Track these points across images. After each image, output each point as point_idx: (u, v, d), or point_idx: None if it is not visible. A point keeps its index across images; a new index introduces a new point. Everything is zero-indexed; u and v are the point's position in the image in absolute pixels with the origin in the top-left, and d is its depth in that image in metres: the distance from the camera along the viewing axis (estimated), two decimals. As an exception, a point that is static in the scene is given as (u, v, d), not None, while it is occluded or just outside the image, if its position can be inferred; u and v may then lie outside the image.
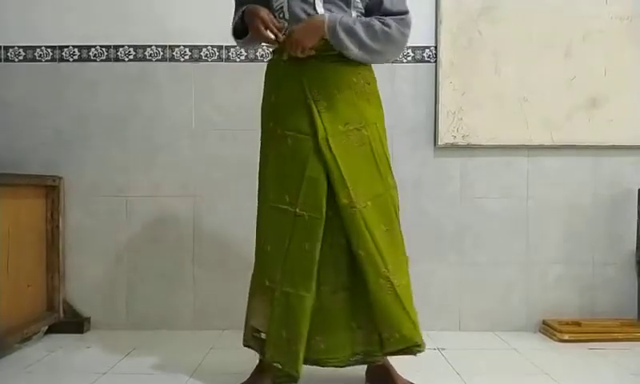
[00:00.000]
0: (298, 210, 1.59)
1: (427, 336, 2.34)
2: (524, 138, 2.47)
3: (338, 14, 1.62)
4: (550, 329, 2.40)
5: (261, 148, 1.75)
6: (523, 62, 2.46)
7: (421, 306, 2.42)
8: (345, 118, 1.64)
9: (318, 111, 1.62)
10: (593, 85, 2.47)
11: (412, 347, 1.65)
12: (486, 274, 2.49)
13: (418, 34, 2.48)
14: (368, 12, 1.69)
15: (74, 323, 2.40)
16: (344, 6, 1.66)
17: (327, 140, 1.61)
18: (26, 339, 2.21)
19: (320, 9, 1.62)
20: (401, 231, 1.74)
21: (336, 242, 1.62)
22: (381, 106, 1.77)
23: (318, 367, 1.66)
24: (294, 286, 1.59)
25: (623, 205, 2.50)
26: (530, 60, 2.46)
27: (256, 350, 1.69)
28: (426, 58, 2.49)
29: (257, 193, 1.74)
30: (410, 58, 2.48)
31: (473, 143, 2.46)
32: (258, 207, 1.72)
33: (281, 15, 1.65)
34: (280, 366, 1.58)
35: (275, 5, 1.66)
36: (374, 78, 1.75)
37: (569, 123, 2.47)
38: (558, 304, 2.49)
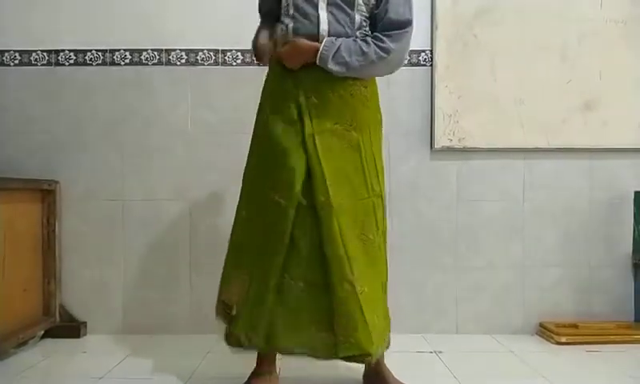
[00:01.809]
0: (276, 197, 1.63)
1: (424, 339, 2.37)
2: (520, 141, 2.47)
3: (334, 43, 1.63)
4: (547, 331, 2.40)
5: (250, 142, 1.79)
6: (519, 65, 2.47)
7: (417, 309, 2.46)
8: (335, 117, 1.67)
9: (308, 107, 1.66)
10: (588, 88, 2.48)
11: (364, 356, 1.63)
12: (483, 277, 2.49)
13: (414, 38, 2.45)
14: (372, 18, 1.70)
15: (70, 328, 2.39)
16: (347, 8, 1.66)
17: (313, 136, 1.64)
18: (22, 344, 2.20)
19: (323, 11, 1.63)
20: (383, 242, 1.74)
21: (311, 238, 1.63)
22: (379, 110, 1.78)
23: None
24: (266, 270, 1.62)
25: (619, 207, 2.51)
26: (526, 63, 2.47)
27: (224, 322, 1.72)
28: (422, 62, 2.49)
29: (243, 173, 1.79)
30: (405, 62, 2.48)
31: (469, 146, 2.47)
32: (241, 190, 1.76)
33: (288, 11, 1.68)
34: (247, 340, 1.63)
35: (283, 2, 1.70)
36: (374, 82, 1.76)
37: (565, 126, 2.48)
38: (555, 306, 2.49)
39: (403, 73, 2.46)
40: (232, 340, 1.68)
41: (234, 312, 1.68)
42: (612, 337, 2.33)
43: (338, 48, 1.63)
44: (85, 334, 2.42)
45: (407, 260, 2.47)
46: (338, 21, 1.65)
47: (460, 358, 2.13)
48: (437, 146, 2.46)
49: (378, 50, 1.64)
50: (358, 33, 1.68)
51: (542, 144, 2.48)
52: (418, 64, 2.49)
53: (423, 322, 2.48)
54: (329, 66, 1.62)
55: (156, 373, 1.96)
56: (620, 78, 2.48)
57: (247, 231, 1.71)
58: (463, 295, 2.49)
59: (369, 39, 1.66)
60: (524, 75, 2.47)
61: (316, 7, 1.65)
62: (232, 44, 2.45)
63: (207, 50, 2.47)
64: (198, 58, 2.47)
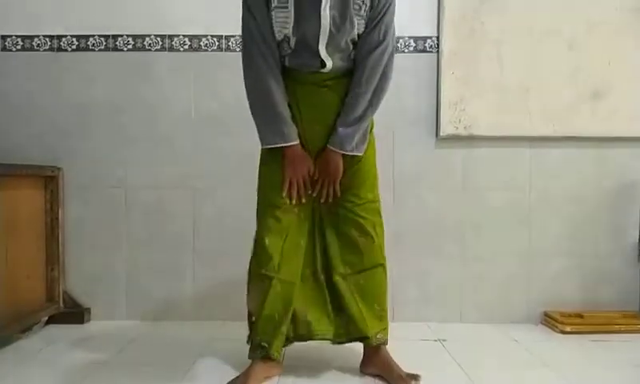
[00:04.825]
0: (295, 209, 1.70)
1: (428, 327, 2.36)
2: (526, 129, 2.45)
3: (342, 142, 1.67)
4: (551, 320, 2.39)
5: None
6: (526, 52, 2.43)
7: (422, 298, 2.45)
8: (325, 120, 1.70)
9: (302, 123, 1.70)
10: (596, 76, 2.44)
11: (362, 339, 1.75)
12: (488, 266, 2.48)
13: (420, 24, 2.46)
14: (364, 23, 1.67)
15: (74, 314, 2.39)
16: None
17: (306, 140, 1.70)
18: (27, 330, 2.20)
19: (326, 11, 1.58)
20: (382, 236, 1.79)
21: (315, 232, 1.76)
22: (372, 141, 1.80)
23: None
24: (288, 274, 1.70)
25: (626, 196, 2.48)
26: (533, 50, 2.43)
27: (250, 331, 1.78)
28: (428, 49, 2.46)
29: (257, 185, 1.77)
30: (411, 49, 2.46)
31: (475, 134, 2.44)
32: (258, 201, 1.76)
33: (286, 7, 1.60)
34: (266, 346, 1.69)
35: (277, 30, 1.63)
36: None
37: (572, 114, 2.45)
38: (560, 296, 2.48)
39: (409, 59, 2.45)
40: (251, 347, 1.74)
41: (253, 319, 1.75)
42: (618, 326, 2.32)
43: (353, 136, 1.67)
44: (89, 320, 2.42)
45: (411, 249, 2.46)
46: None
47: (464, 346, 2.12)
48: (442, 133, 2.44)
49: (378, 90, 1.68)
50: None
51: (549, 132, 2.45)
52: (423, 51, 2.46)
53: (427, 310, 2.47)
54: (355, 146, 1.69)
55: (159, 359, 1.96)
56: (629, 66, 2.44)
57: (272, 240, 1.72)
58: (468, 284, 2.48)
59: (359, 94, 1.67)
60: (531, 62, 2.43)
61: (318, 6, 1.57)
62: (236, 29, 2.39)
63: (211, 35, 2.45)
64: (202, 43, 2.45)
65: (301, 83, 1.69)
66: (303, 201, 1.69)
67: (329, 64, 1.65)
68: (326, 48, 1.62)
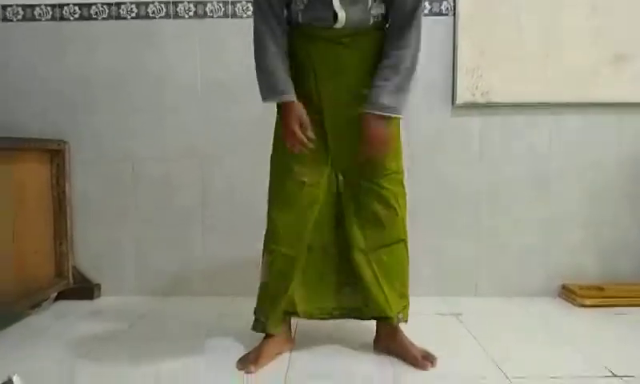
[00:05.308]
0: (305, 179, 1.62)
1: (443, 301, 2.31)
2: (546, 96, 2.34)
3: (379, 96, 1.53)
4: (570, 293, 2.32)
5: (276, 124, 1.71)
6: (546, 14, 2.31)
7: (437, 271, 2.40)
8: (351, 89, 1.59)
9: (317, 85, 1.60)
10: (620, 39, 2.32)
11: (383, 318, 1.70)
12: (505, 238, 2.41)
13: (436, -14, 2.34)
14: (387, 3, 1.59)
15: (83, 289, 2.37)
16: None
17: (320, 100, 1.61)
18: (36, 306, 2.18)
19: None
20: (404, 210, 1.72)
21: (332, 205, 1.67)
22: None
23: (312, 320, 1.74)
24: (290, 248, 1.64)
25: (649, 165, 2.39)
26: (553, 12, 2.31)
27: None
28: (444, 11, 2.35)
29: (270, 154, 1.71)
30: (426, 12, 2.34)
31: (492, 101, 2.34)
32: (270, 171, 1.70)
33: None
34: (264, 320, 1.69)
35: None
36: None
37: (593, 79, 2.34)
38: (579, 268, 2.41)
39: (423, 22, 2.33)
40: (253, 321, 1.73)
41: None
42: (639, 299, 2.24)
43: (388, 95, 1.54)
44: (98, 296, 2.40)
45: (427, 220, 2.39)
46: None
47: (480, 320, 2.07)
48: (459, 101, 2.34)
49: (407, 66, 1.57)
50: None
51: (570, 98, 2.35)
52: (439, 13, 2.34)
53: (442, 283, 2.41)
54: (397, 103, 1.55)
55: (169, 334, 1.93)
56: (656, 27, 2.32)
57: (281, 212, 1.67)
58: (484, 256, 2.41)
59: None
60: (551, 25, 2.31)
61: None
62: (242, -5, 2.33)
63: (217, 1, 2.35)
64: (207, 9, 2.36)
65: (314, 40, 1.59)
66: (311, 146, 1.56)
67: (342, 16, 1.54)
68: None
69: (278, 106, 1.61)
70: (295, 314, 1.71)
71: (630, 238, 2.41)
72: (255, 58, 1.61)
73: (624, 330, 1.99)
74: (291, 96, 1.55)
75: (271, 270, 1.67)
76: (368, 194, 1.64)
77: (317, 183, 1.63)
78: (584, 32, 2.32)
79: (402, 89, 1.55)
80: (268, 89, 1.58)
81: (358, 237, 1.65)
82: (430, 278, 2.40)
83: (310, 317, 1.72)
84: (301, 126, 1.55)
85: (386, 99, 1.52)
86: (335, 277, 1.71)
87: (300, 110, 1.56)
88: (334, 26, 1.56)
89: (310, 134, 1.56)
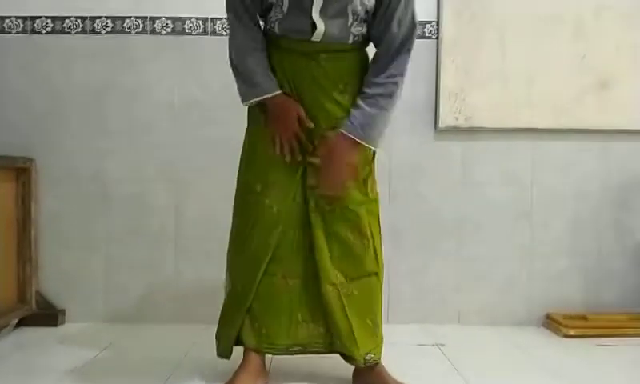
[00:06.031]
0: (267, 201, 1.55)
1: (425, 330, 2.24)
2: (529, 121, 2.32)
3: (354, 123, 1.47)
4: (554, 323, 2.27)
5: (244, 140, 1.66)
6: (530, 39, 2.31)
7: (417, 298, 2.33)
8: (324, 107, 1.52)
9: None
10: (604, 65, 2.32)
11: (350, 358, 1.59)
12: (487, 265, 2.36)
13: (419, 9, 2.28)
14: (369, 25, 1.53)
15: (47, 316, 2.25)
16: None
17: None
18: (-5, 333, 2.06)
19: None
20: (378, 241, 1.61)
21: (298, 230, 1.56)
22: None
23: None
24: (242, 277, 1.58)
25: (632, 193, 2.38)
26: (537, 37, 2.31)
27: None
28: (427, 34, 2.32)
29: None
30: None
31: (475, 126, 2.31)
32: (236, 189, 1.66)
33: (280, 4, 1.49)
34: (217, 342, 1.65)
35: None
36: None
37: (577, 106, 2.33)
38: (563, 297, 2.37)
39: (406, 45, 2.31)
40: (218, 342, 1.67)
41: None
42: (624, 329, 2.21)
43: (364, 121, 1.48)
44: (63, 323, 2.28)
45: (407, 245, 2.33)
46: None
47: (463, 351, 2.00)
48: (442, 125, 2.31)
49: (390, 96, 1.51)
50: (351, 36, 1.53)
51: (553, 124, 2.33)
52: (422, 37, 2.31)
53: (423, 311, 2.35)
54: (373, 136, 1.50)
55: (138, 364, 1.83)
56: (638, 55, 2.32)
57: (239, 235, 1.64)
58: (466, 284, 2.36)
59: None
60: (535, 50, 2.31)
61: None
62: (222, 12, 2.22)
63: (195, 18, 2.30)
64: (185, 26, 2.30)
65: (289, 53, 1.53)
66: (299, 159, 1.50)
67: (320, 28, 1.47)
68: (321, 11, 1.46)
69: (251, 114, 1.59)
70: (243, 344, 1.61)
71: (615, 266, 2.38)
72: (234, 60, 1.56)
73: (609, 361, 1.95)
74: (275, 90, 1.50)
75: (227, 293, 1.64)
76: (340, 222, 1.54)
77: (280, 204, 1.54)
78: (568, 57, 2.32)
79: (382, 121, 1.50)
80: (251, 87, 1.52)
81: (328, 267, 1.54)
82: (411, 304, 2.34)
83: (264, 351, 1.61)
84: (298, 117, 1.49)
85: (364, 127, 1.47)
86: (294, 311, 1.58)
87: (293, 101, 1.50)
88: (312, 39, 1.49)
89: (309, 123, 1.49)
